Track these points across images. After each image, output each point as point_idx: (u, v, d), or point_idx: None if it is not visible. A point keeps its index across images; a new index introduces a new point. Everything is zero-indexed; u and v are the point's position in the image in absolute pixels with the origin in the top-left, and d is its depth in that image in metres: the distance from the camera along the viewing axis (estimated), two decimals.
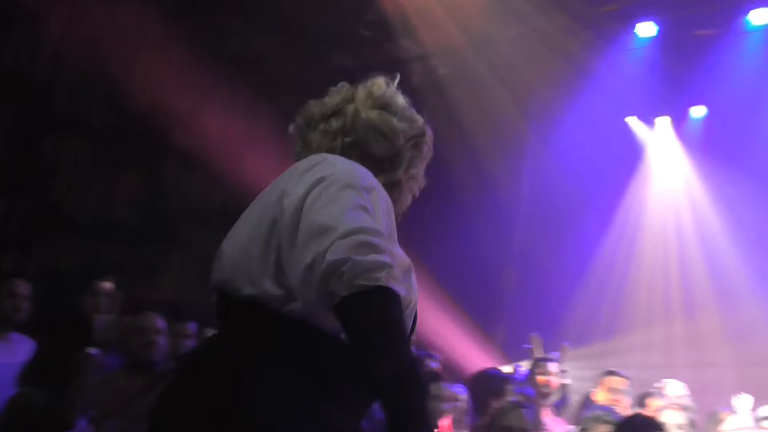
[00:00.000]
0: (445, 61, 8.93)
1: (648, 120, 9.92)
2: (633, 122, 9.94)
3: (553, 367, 5.91)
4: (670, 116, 9.81)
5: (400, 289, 1.53)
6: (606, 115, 9.44)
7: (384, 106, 1.93)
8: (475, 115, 8.99)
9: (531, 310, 8.72)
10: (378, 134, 1.89)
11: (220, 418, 1.50)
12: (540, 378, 5.81)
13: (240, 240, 1.72)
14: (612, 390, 5.88)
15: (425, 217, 7.35)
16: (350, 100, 1.92)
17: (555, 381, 5.83)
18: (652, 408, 5.56)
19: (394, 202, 1.81)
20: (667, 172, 9.86)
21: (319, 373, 1.59)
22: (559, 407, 6.00)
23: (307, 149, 1.91)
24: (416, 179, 1.96)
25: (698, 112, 9.67)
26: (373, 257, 1.50)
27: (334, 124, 1.90)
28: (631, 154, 9.81)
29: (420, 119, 1.98)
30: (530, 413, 3.71)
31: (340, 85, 1.96)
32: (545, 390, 5.74)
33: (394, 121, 1.91)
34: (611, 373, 6.04)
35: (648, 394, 5.93)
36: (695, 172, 9.65)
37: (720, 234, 9.22)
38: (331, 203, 1.60)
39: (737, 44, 9.11)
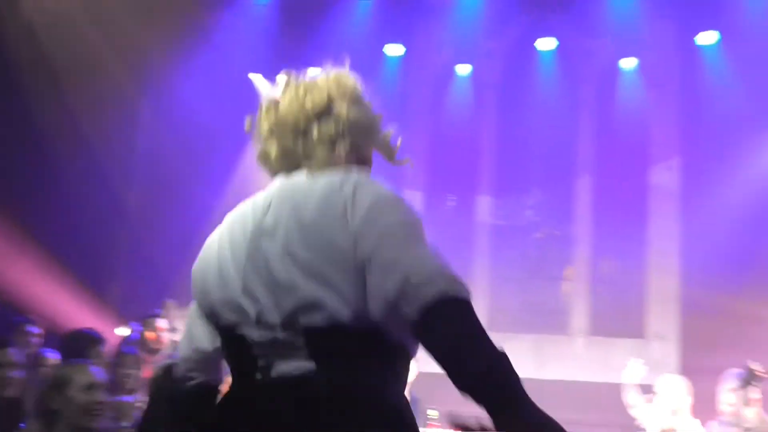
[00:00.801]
0: (48, 26, 8.01)
1: (272, 78, 8.52)
2: (257, 79, 8.55)
3: (161, 323, 6.03)
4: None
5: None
6: (228, 71, 9.28)
7: (358, 100, 1.90)
8: (82, 75, 8.31)
9: (148, 270, 8.62)
10: (365, 134, 1.89)
11: None
12: (149, 335, 5.91)
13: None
14: None
15: (32, 183, 7.59)
16: (331, 98, 1.86)
17: (165, 337, 5.90)
18: None
19: None
20: None
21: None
22: None
23: (293, 161, 1.83)
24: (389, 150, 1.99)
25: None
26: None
27: (326, 128, 1.83)
28: (253, 109, 8.49)
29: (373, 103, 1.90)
30: (99, 372, 3.46)
31: (287, 78, 1.98)
32: (155, 346, 5.83)
33: (373, 117, 1.91)
34: None
35: None
36: None
37: None
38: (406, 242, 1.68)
39: (350, 9, 9.69)
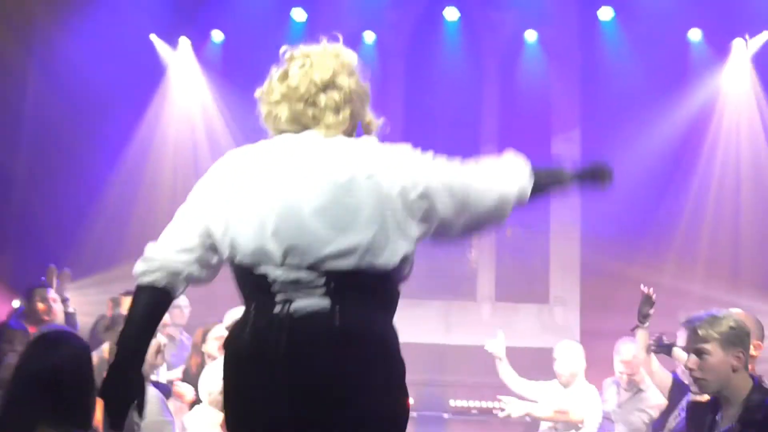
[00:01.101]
0: None
1: (170, 40, 9.75)
2: (155, 40, 9.70)
3: (51, 293, 5.88)
4: (191, 38, 9.82)
5: None
6: (127, 31, 9.05)
7: (354, 72, 2.26)
8: None
9: (39, 238, 8.30)
10: (361, 102, 2.24)
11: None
12: (39, 306, 5.75)
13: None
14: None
15: None
16: (335, 72, 2.17)
17: (55, 308, 5.79)
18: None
19: None
20: (187, 93, 9.78)
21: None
22: None
23: (302, 122, 2.13)
24: (374, 123, 2.29)
25: (218, 36, 9.81)
26: None
27: (331, 98, 2.15)
28: (153, 73, 9.58)
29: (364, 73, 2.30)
30: None
31: (293, 51, 2.23)
32: (45, 317, 5.69)
33: (365, 87, 2.27)
34: (128, 293, 5.60)
35: None
36: (213, 95, 9.81)
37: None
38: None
39: None
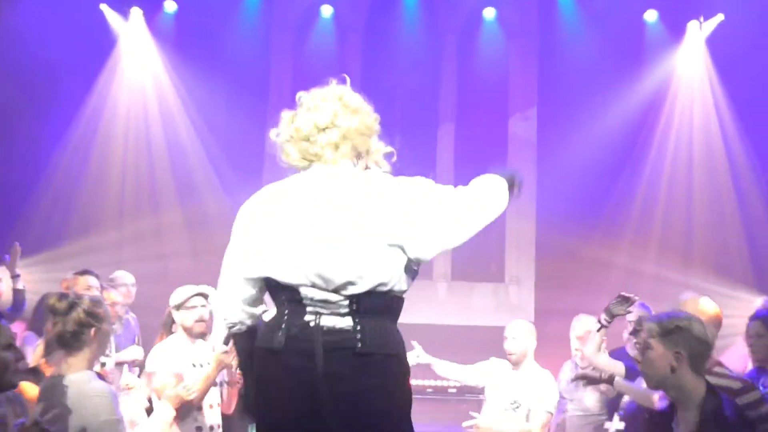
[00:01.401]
0: None
1: (122, 10, 9.52)
2: (106, 10, 9.44)
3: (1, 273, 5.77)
4: (143, 8, 9.57)
5: None
6: (76, 1, 8.89)
7: (357, 110, 2.60)
8: None
9: None
10: (362, 137, 2.58)
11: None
12: None
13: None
14: (89, 288, 5.52)
15: None
16: (335, 114, 2.54)
17: (3, 286, 5.70)
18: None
19: None
20: (138, 65, 9.60)
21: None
22: (14, 313, 5.68)
23: (308, 158, 2.54)
24: (379, 151, 2.64)
25: (171, 6, 9.59)
26: None
27: (333, 136, 2.51)
28: (103, 44, 9.35)
29: (371, 108, 2.66)
30: None
31: (303, 97, 2.64)
32: None
33: (370, 122, 2.61)
34: (85, 272, 5.65)
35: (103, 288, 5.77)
36: (166, 67, 9.64)
37: (184, 129, 9.54)
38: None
39: None
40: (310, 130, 2.58)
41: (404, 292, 2.51)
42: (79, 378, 2.91)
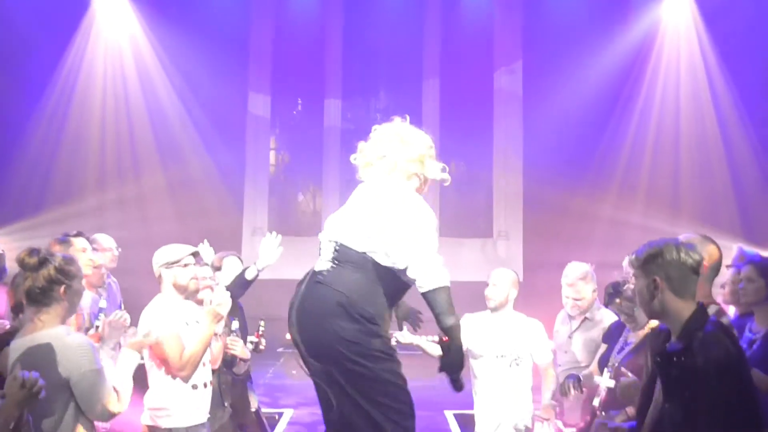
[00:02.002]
0: None
1: None
2: None
3: None
4: None
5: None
6: None
7: (409, 142, 3.31)
8: None
9: None
10: (412, 165, 3.28)
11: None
12: None
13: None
14: (83, 251, 5.20)
15: None
16: (389, 148, 3.28)
17: None
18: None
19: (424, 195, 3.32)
20: (114, 26, 9.41)
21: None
22: None
23: (370, 176, 3.29)
24: (435, 173, 3.36)
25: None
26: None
27: (383, 165, 3.29)
28: (77, 4, 9.13)
29: (425, 135, 3.41)
30: None
31: (375, 130, 3.33)
32: None
33: (423, 150, 3.31)
34: (78, 234, 5.21)
35: None
36: (142, 26, 9.48)
37: (164, 91, 9.49)
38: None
39: None
40: (370, 158, 3.37)
41: (382, 262, 3.11)
42: (56, 332, 2.86)
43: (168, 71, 9.45)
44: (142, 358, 3.66)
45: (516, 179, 10.12)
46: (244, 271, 4.72)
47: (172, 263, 3.87)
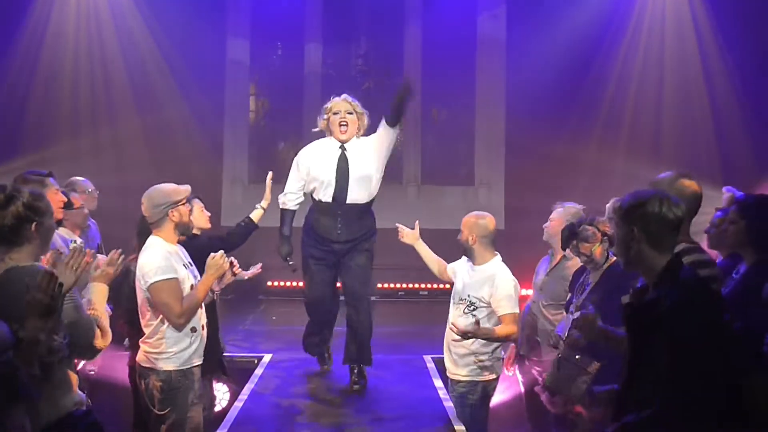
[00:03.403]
0: None
1: None
2: None
3: None
4: None
5: None
6: None
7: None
8: None
9: None
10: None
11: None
12: None
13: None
14: (56, 193, 5.67)
15: None
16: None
17: None
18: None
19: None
20: None
21: None
22: None
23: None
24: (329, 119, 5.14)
25: None
26: None
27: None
28: None
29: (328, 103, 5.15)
30: None
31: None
32: None
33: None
34: (49, 174, 5.05)
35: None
36: None
37: (140, 34, 9.31)
38: None
39: None
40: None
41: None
42: (30, 269, 2.73)
43: (143, 13, 9.26)
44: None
45: (498, 126, 10.08)
46: (244, 220, 4.91)
47: (177, 202, 3.87)
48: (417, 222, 5.19)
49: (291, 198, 5.22)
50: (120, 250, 3.39)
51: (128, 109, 9.28)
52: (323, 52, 10.22)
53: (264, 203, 5.06)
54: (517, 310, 4.38)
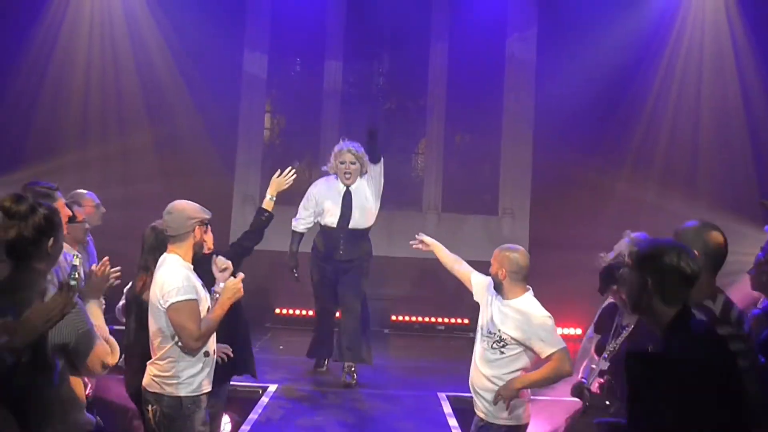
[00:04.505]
0: None
1: None
2: None
3: None
4: None
5: None
6: None
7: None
8: None
9: None
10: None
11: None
12: None
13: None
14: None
15: None
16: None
17: None
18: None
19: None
20: None
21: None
22: None
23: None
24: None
25: None
26: None
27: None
28: None
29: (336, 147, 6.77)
30: None
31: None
32: None
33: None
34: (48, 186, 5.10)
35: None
36: None
37: (155, 44, 9.45)
38: None
39: None
40: None
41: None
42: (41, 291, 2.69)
43: (159, 21, 9.36)
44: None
45: (525, 151, 10.06)
46: (259, 212, 5.00)
47: (204, 220, 3.92)
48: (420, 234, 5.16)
49: (301, 223, 6.90)
50: (111, 264, 3.37)
51: (139, 121, 9.38)
52: (344, 69, 10.28)
53: (271, 191, 5.09)
54: (564, 344, 4.20)
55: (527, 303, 4.33)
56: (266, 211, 5.00)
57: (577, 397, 4.23)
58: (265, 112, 10.51)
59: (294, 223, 6.88)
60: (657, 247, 2.73)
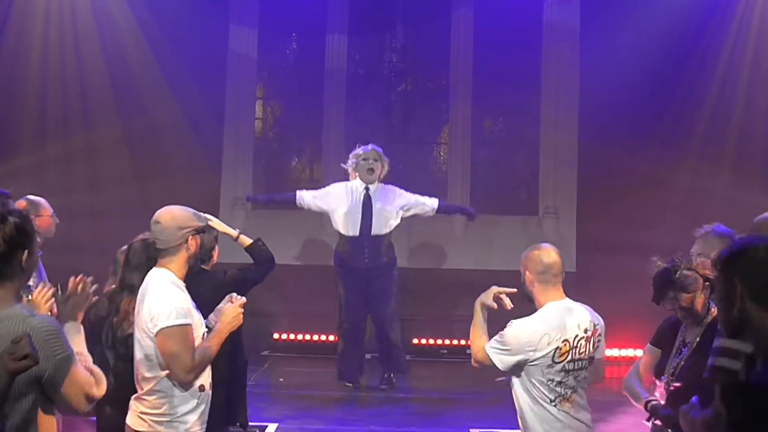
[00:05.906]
0: None
1: None
2: None
3: None
4: None
5: None
6: None
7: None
8: None
9: None
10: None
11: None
12: None
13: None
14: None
15: None
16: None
17: None
18: None
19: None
20: None
21: None
22: None
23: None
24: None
25: None
26: None
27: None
28: None
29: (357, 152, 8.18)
30: None
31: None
32: None
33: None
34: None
35: None
36: None
37: (124, 21, 9.57)
38: None
39: None
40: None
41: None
42: (15, 314, 2.74)
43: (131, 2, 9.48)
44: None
45: (570, 139, 10.07)
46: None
47: (198, 229, 3.94)
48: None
49: (305, 196, 7.99)
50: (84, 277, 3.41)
51: (107, 112, 9.48)
52: (349, 44, 10.34)
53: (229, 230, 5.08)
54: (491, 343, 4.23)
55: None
56: (254, 242, 5.07)
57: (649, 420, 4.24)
58: (256, 98, 10.60)
59: (299, 192, 8.13)
60: (742, 244, 2.73)
